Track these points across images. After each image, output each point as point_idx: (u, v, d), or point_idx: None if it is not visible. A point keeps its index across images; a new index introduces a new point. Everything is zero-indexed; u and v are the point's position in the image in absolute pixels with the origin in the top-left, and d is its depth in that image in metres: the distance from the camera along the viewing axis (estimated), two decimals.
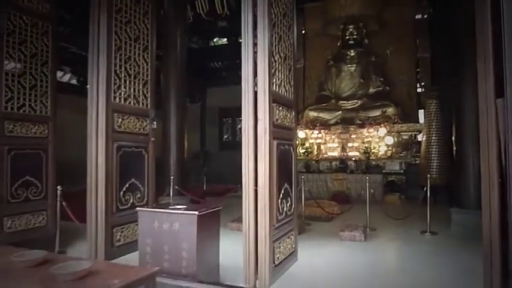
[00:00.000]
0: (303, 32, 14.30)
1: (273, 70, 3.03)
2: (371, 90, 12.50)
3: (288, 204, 3.25)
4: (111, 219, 3.73)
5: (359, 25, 12.73)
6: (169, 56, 8.68)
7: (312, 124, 11.66)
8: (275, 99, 3.00)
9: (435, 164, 9.31)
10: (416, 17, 12.83)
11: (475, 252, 5.15)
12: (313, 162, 11.16)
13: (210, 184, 9.64)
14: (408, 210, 6.99)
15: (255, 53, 2.96)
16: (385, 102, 11.59)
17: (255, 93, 2.93)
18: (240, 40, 2.86)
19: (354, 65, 12.77)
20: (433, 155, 9.34)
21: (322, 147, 11.57)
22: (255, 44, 2.96)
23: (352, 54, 12.86)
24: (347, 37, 12.83)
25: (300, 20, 14.26)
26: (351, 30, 12.80)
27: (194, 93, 18.52)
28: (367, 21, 12.80)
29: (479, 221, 5.92)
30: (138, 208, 3.36)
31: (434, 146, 9.39)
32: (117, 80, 3.78)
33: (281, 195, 3.08)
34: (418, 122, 11.75)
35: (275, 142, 2.89)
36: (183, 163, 8.50)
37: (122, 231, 3.87)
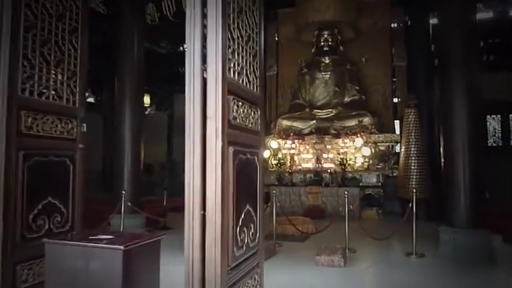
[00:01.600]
0: (276, 38, 13.69)
1: (229, 50, 2.22)
2: (346, 99, 11.95)
3: (250, 233, 2.41)
4: (14, 252, 2.77)
5: (334, 31, 12.22)
6: (123, 58, 7.76)
7: (285, 134, 10.93)
8: (232, 91, 2.18)
9: (415, 176, 8.72)
10: (392, 25, 12.47)
11: (470, 279, 4.50)
12: (286, 174, 10.39)
13: (172, 198, 8.67)
14: (389, 227, 6.30)
15: (204, 26, 2.14)
16: (361, 111, 11.04)
17: (204, 80, 2.11)
18: None
19: (329, 73, 12.22)
20: (413, 167, 8.76)
21: (295, 158, 10.84)
22: (204, 15, 2.14)
23: (327, 61, 12.32)
24: (321, 43, 12.29)
25: (274, 26, 13.69)
26: (325, 36, 12.26)
27: (162, 100, 17.55)
28: (342, 27, 12.31)
29: (471, 241, 5.35)
30: (44, 239, 2.44)
31: (413, 158, 8.81)
32: (28, 67, 2.85)
33: (240, 221, 2.24)
34: (394, 132, 11.25)
35: (231, 149, 2.06)
36: (139, 175, 7.53)
37: (30, 268, 2.89)
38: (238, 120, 2.26)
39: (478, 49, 5.97)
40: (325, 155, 10.42)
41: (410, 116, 9.07)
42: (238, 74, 2.34)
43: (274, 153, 10.81)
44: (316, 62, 12.47)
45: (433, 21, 10.92)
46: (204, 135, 2.06)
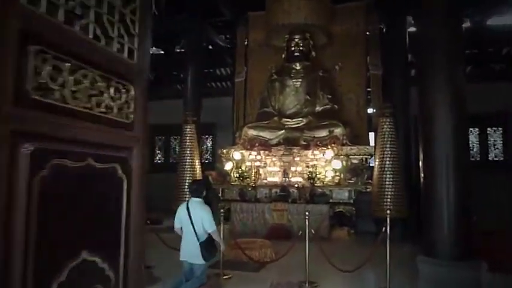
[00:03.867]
0: (246, 43, 12.78)
1: None
2: (318, 108, 11.08)
3: None
4: None
5: (305, 36, 11.40)
6: None
7: (250, 144, 9.91)
8: (45, 38, 1.11)
9: (390, 192, 7.85)
10: (368, 32, 11.75)
11: None
12: (250, 189, 9.33)
13: None
14: (361, 251, 5.28)
15: None
16: (333, 121, 10.15)
17: None
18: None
19: (300, 80, 11.35)
20: (387, 183, 7.89)
21: (261, 171, 9.81)
22: None
23: (298, 67, 11.46)
24: (292, 48, 11.43)
25: (243, 30, 12.80)
26: (296, 40, 11.42)
27: None
28: (315, 32, 11.52)
29: (458, 276, 4.39)
30: None
31: (388, 172, 7.95)
32: None
33: (57, 285, 1.15)
34: (369, 144, 10.41)
35: (25, 148, 0.97)
36: None
37: None
38: (57, 96, 1.22)
39: (463, 58, 5.29)
40: (293, 168, 9.44)
41: (385, 126, 8.25)
42: (77, 16, 1.33)
43: (238, 165, 9.74)
44: (286, 68, 11.60)
45: (411, 29, 10.28)
46: None
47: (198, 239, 3.99)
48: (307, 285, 4.55)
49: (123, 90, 1.56)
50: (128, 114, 1.59)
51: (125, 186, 1.56)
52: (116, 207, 1.52)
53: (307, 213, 4.93)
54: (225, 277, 4.98)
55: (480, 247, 4.97)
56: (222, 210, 5.49)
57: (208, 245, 4.06)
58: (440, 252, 4.20)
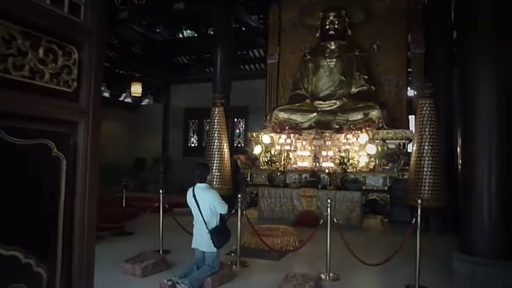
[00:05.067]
0: (279, 23, 12.26)
1: None
2: (353, 90, 10.48)
3: None
4: None
5: (341, 13, 10.73)
6: None
7: (280, 127, 9.55)
8: None
9: (427, 181, 7.24)
10: (409, 7, 10.85)
11: None
12: (279, 174, 9.01)
13: (131, 198, 7.50)
14: (393, 242, 4.83)
15: None
16: (369, 103, 9.54)
17: None
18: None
19: (334, 60, 10.75)
20: (425, 170, 7.28)
21: (290, 155, 9.45)
22: None
23: (333, 47, 10.85)
24: (327, 27, 10.81)
25: (276, 9, 12.30)
26: (331, 19, 10.78)
27: (159, 91, 16.42)
28: (351, 9, 10.83)
29: (499, 277, 3.87)
30: None
31: (426, 158, 7.32)
32: None
33: None
34: (408, 128, 9.72)
35: None
36: None
37: None
38: None
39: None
40: (324, 153, 8.99)
41: (424, 108, 7.59)
42: None
43: (267, 149, 9.45)
44: (320, 48, 11.02)
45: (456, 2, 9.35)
46: None
47: (207, 227, 3.77)
48: (326, 278, 4.22)
49: (60, 53, 1.30)
50: (68, 82, 1.33)
51: (64, 168, 1.31)
52: (47, 190, 1.27)
53: (329, 200, 4.55)
54: (240, 266, 4.74)
55: None
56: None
57: (218, 232, 3.83)
58: (480, 250, 3.69)
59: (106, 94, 14.56)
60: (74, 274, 1.36)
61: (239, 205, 4.90)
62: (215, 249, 3.88)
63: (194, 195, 3.83)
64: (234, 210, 4.97)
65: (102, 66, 1.49)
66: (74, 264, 1.37)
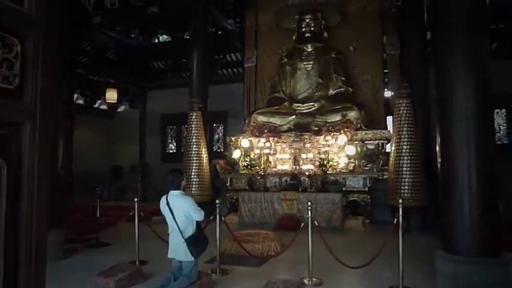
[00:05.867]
0: (255, 27, 12.20)
1: None
2: (331, 92, 10.50)
3: None
4: None
5: (317, 16, 10.77)
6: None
7: (259, 131, 9.44)
8: None
9: (407, 180, 7.26)
10: (384, 9, 10.98)
11: None
12: (259, 178, 8.89)
13: (107, 207, 7.22)
14: (375, 243, 4.76)
15: None
16: (346, 104, 9.56)
17: None
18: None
19: (311, 62, 10.74)
20: (405, 169, 7.30)
21: (270, 159, 9.35)
22: None
23: (309, 49, 10.86)
24: (303, 29, 10.81)
25: (253, 13, 12.25)
26: (307, 21, 10.79)
27: (135, 97, 16.07)
28: (327, 11, 10.89)
29: (481, 275, 3.83)
30: None
31: (405, 158, 7.35)
32: None
33: None
34: (386, 128, 9.78)
35: None
36: (57, 181, 6.01)
37: None
38: None
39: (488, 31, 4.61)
40: (304, 155, 8.93)
41: (401, 108, 7.63)
42: None
43: (246, 153, 9.32)
44: (297, 51, 11.01)
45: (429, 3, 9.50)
46: None
47: (183, 236, 3.60)
48: (309, 283, 4.11)
49: None
50: (9, 78, 1.17)
51: (4, 173, 1.14)
52: None
53: (309, 203, 4.45)
54: (220, 274, 4.58)
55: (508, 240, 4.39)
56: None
57: (195, 240, 3.66)
58: (462, 248, 3.65)
59: (80, 101, 14.18)
60: None
61: (217, 211, 4.74)
62: (192, 258, 3.71)
63: (168, 203, 3.65)
64: (212, 217, 4.81)
65: (51, 61, 1.34)
66: (22, 281, 1.20)
